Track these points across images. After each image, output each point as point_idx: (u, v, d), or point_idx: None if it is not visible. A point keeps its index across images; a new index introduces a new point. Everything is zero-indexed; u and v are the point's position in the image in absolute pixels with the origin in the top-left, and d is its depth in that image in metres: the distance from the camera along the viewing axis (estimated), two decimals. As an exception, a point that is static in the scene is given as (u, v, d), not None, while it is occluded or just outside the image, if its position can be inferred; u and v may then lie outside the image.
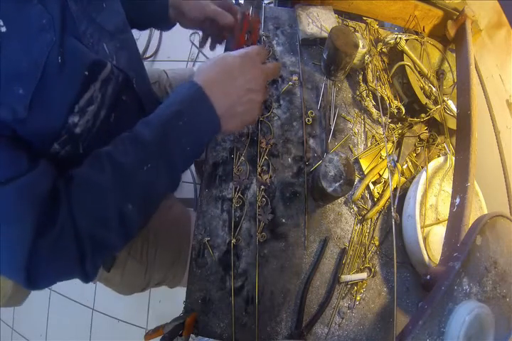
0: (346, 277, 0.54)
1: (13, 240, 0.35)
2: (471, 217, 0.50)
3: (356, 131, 0.68)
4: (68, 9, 0.40)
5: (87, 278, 0.40)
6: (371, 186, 0.63)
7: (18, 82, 0.36)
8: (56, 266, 0.38)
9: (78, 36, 0.42)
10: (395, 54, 0.75)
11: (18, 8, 0.36)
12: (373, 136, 0.68)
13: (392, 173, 0.62)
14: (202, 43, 0.73)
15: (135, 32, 0.58)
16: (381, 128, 0.69)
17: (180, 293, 0.56)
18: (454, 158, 0.60)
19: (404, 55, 0.71)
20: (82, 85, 0.41)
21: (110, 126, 0.48)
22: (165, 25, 0.67)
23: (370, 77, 0.71)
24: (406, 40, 0.73)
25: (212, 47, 0.72)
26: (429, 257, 0.54)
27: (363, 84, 0.71)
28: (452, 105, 0.73)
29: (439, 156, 0.68)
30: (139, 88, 0.54)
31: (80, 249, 0.38)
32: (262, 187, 0.58)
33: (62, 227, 0.36)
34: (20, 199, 0.35)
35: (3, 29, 0.34)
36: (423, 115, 0.68)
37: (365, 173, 0.63)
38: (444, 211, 0.62)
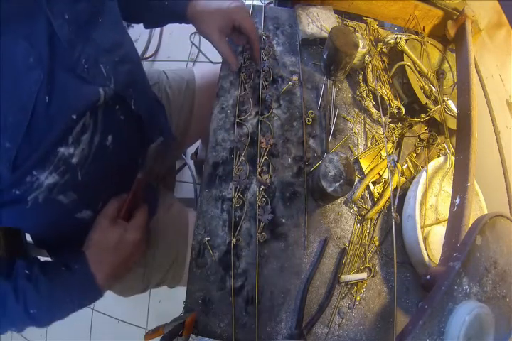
0: (346, 277, 0.54)
1: None
2: (471, 217, 0.49)
3: (356, 131, 0.68)
4: (57, 38, 0.39)
5: None
6: (371, 186, 0.63)
7: (5, 134, 0.35)
8: None
9: (71, 65, 0.41)
10: (395, 54, 0.75)
11: (3, 51, 0.34)
12: (373, 136, 0.68)
13: (392, 173, 0.62)
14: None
15: (135, 32, 0.58)
16: (381, 128, 0.69)
17: (180, 293, 0.56)
18: (454, 158, 0.60)
19: (404, 55, 0.71)
20: (69, 124, 0.41)
21: (107, 149, 0.49)
22: (185, 22, 0.67)
23: (370, 77, 0.71)
24: (406, 40, 0.73)
25: None
26: (429, 257, 0.54)
27: (363, 84, 0.71)
28: (452, 105, 0.73)
29: (439, 156, 0.68)
30: (137, 105, 0.54)
31: None
32: (262, 187, 0.58)
33: None
34: None
35: None
36: (423, 115, 0.68)
37: (365, 173, 0.63)
38: (444, 211, 0.62)
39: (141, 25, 0.69)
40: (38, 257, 0.54)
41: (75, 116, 0.41)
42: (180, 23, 0.67)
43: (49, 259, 0.54)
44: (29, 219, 0.49)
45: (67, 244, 0.60)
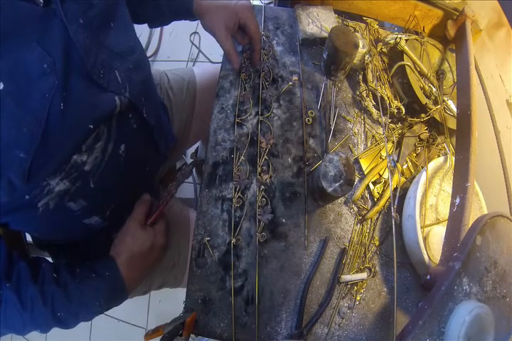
0: (346, 277, 0.54)
1: None
2: (471, 217, 0.49)
3: (356, 131, 0.68)
4: (72, 44, 0.38)
5: None
6: (371, 186, 0.63)
7: (19, 144, 0.34)
8: None
9: (87, 70, 0.40)
10: (395, 54, 0.75)
11: (17, 57, 0.33)
12: (373, 136, 0.68)
13: (392, 173, 0.62)
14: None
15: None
16: (381, 128, 0.69)
17: (180, 292, 0.56)
18: (454, 158, 0.60)
19: (404, 55, 0.71)
20: (86, 134, 0.41)
21: (120, 157, 0.49)
22: (190, 19, 0.67)
23: (370, 77, 0.71)
24: (406, 40, 0.73)
25: None
26: (429, 257, 0.54)
27: (363, 84, 0.71)
28: (452, 105, 0.73)
29: (439, 156, 0.68)
30: (148, 113, 0.54)
31: None
32: (262, 187, 0.58)
33: None
34: None
35: (1, 86, 0.32)
36: (423, 115, 0.68)
37: (365, 173, 0.63)
38: (444, 211, 0.62)
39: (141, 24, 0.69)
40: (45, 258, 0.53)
41: (92, 126, 0.40)
42: (185, 19, 0.67)
43: (74, 261, 0.54)
44: (37, 224, 0.49)
45: (71, 247, 0.61)
